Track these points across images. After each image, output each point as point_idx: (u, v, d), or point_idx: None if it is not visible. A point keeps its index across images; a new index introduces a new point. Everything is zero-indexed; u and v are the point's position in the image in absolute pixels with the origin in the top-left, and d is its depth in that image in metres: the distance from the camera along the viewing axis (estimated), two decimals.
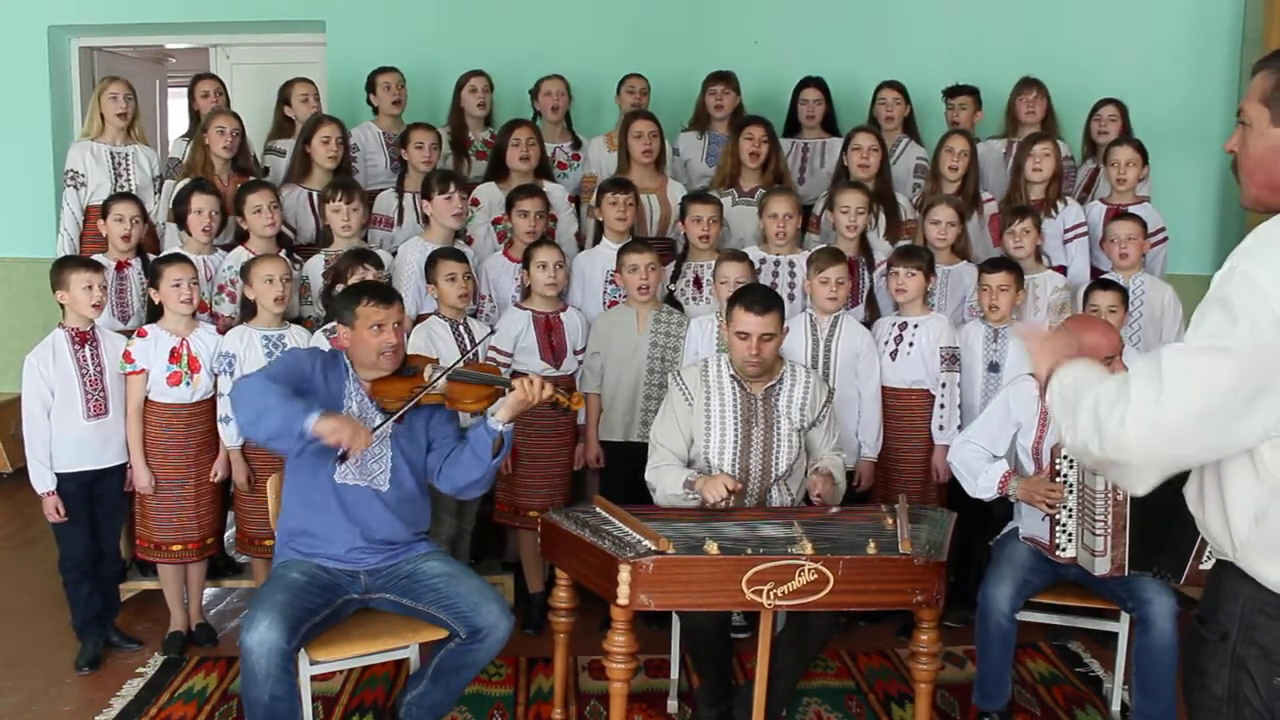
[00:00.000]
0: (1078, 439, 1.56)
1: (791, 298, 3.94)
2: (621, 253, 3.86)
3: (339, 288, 3.56)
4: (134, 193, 4.34)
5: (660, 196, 4.41)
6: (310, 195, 4.36)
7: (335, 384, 2.96)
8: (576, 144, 5.00)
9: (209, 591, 4.09)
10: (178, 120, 6.48)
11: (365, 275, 3.59)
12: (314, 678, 2.92)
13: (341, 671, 3.40)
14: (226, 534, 4.20)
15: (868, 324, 3.88)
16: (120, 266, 3.99)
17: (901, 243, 4.10)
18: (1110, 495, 2.80)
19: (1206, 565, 2.56)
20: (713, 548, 2.61)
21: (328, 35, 5.90)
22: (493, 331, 3.71)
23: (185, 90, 5.11)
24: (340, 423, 2.71)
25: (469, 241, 4.31)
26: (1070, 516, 2.97)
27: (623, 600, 2.57)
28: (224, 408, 3.56)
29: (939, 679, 2.97)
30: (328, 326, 3.61)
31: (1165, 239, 4.48)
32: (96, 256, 3.80)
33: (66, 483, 3.48)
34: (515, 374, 3.52)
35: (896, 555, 2.64)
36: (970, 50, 5.62)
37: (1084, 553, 2.92)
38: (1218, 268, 1.54)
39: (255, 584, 3.84)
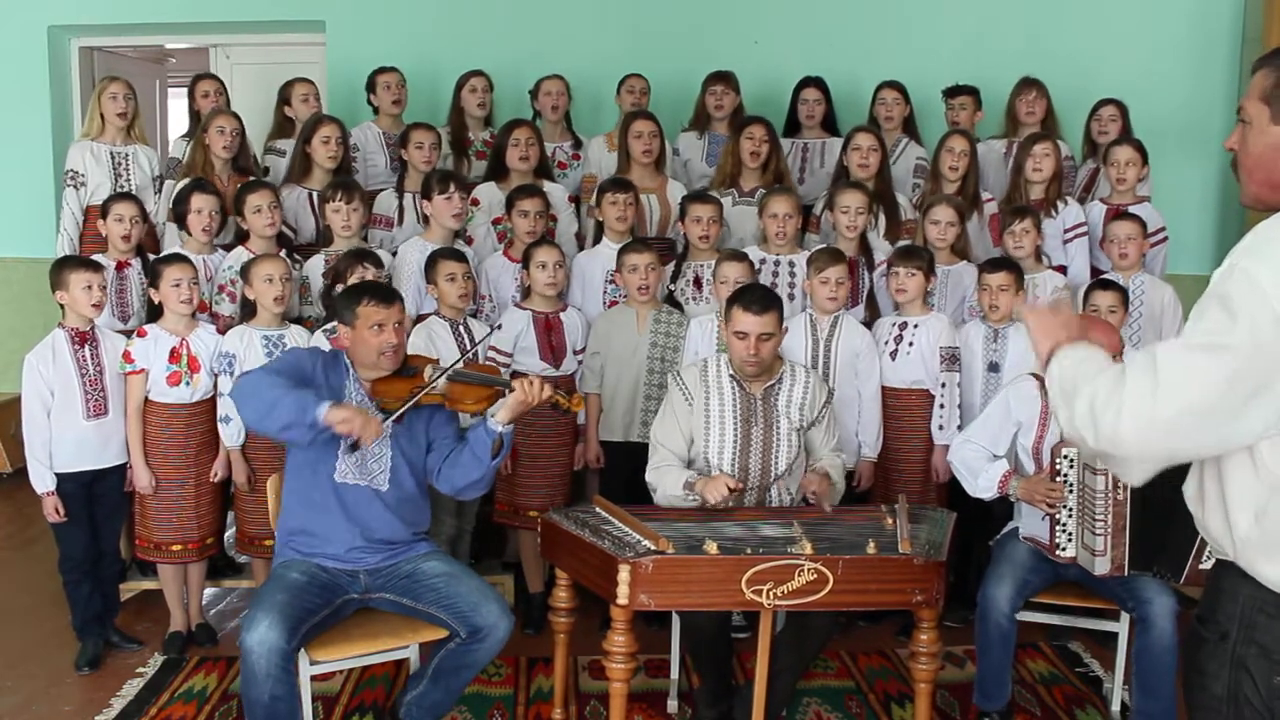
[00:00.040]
0: (1074, 428, 1.57)
1: (791, 298, 3.94)
2: (621, 253, 3.86)
3: (339, 288, 3.56)
4: (134, 193, 4.34)
5: (660, 196, 4.41)
6: (310, 195, 4.36)
7: (335, 384, 2.97)
8: (576, 144, 5.00)
9: (209, 591, 4.09)
10: (178, 120, 6.48)
11: (365, 275, 3.59)
12: (314, 678, 2.92)
13: (341, 671, 3.40)
14: (226, 534, 4.20)
15: (868, 324, 3.88)
16: (120, 266, 3.99)
17: (901, 243, 4.09)
18: (1110, 495, 2.80)
19: (1206, 565, 2.56)
20: (712, 548, 2.61)
21: (328, 35, 5.90)
22: (496, 328, 3.70)
23: (185, 90, 5.11)
24: (351, 412, 2.72)
25: (469, 241, 4.31)
26: (1070, 516, 2.97)
27: (622, 600, 2.57)
28: (224, 408, 3.56)
29: (939, 679, 2.97)
30: (328, 326, 3.61)
31: (1165, 239, 4.48)
32: (96, 256, 3.80)
33: (66, 483, 3.48)
34: (515, 375, 3.53)
35: (896, 555, 2.64)
36: (970, 50, 5.62)
37: (1084, 552, 2.92)
38: (1218, 267, 1.54)
39: (255, 584, 3.84)
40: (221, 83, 5.15)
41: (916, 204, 4.43)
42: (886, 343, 3.78)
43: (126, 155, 4.56)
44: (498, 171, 4.49)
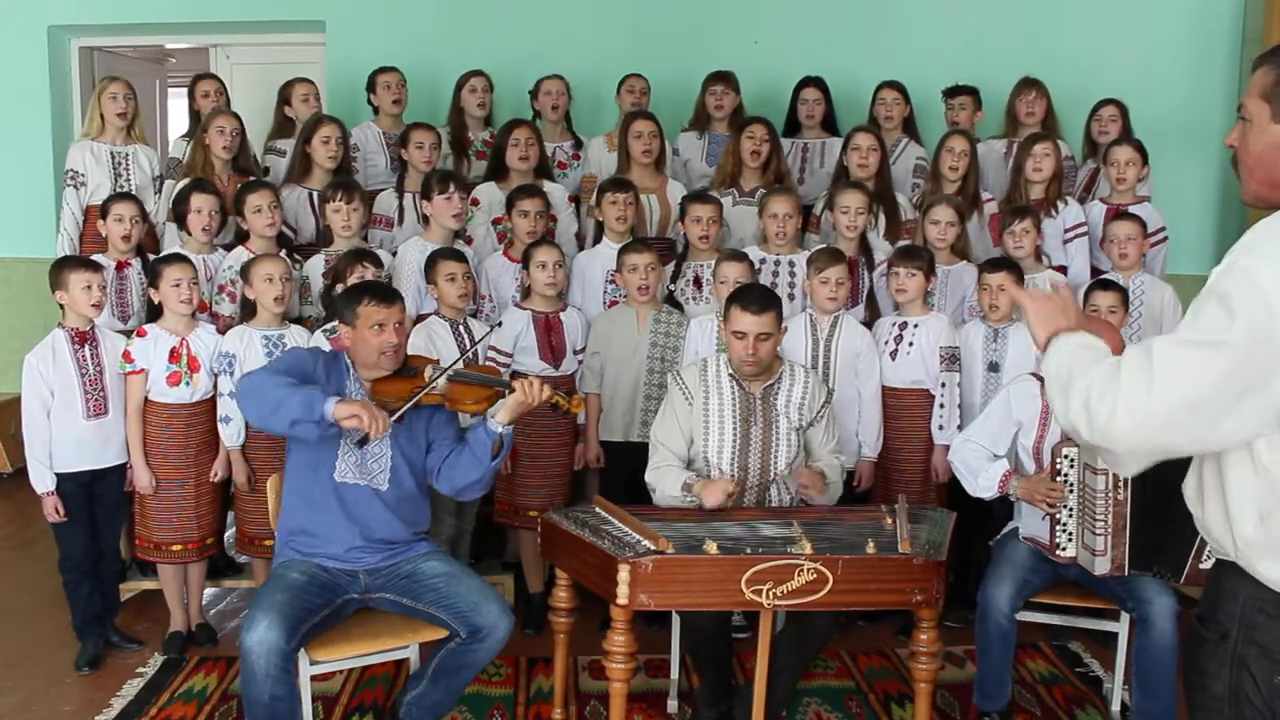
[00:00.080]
0: (1068, 420, 1.57)
1: (791, 298, 3.95)
2: (621, 253, 3.86)
3: (339, 288, 3.57)
4: (134, 193, 4.34)
5: (660, 196, 4.41)
6: (310, 195, 4.36)
7: (336, 383, 2.97)
8: (576, 144, 5.00)
9: (209, 591, 4.09)
10: (178, 120, 6.49)
11: (365, 275, 3.59)
12: (314, 678, 2.92)
13: (341, 671, 3.40)
14: (226, 534, 4.20)
15: (868, 324, 3.88)
16: (120, 266, 3.99)
17: (901, 243, 4.09)
18: (1111, 495, 2.80)
19: (1206, 565, 2.56)
20: (712, 547, 2.61)
21: (328, 35, 5.90)
22: (497, 325, 3.70)
23: (185, 90, 5.11)
24: (359, 407, 2.72)
25: (469, 241, 4.31)
26: (1070, 516, 2.96)
27: (622, 600, 2.57)
28: (224, 407, 3.56)
29: (939, 679, 2.97)
30: (328, 326, 3.61)
31: (1165, 239, 4.47)
32: (96, 256, 3.80)
33: (66, 483, 3.48)
34: (515, 375, 3.53)
35: (896, 555, 2.64)
36: (970, 50, 5.62)
37: (1084, 552, 2.92)
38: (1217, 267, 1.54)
39: (255, 584, 3.84)
40: (221, 83, 5.15)
41: (916, 204, 4.43)
42: (886, 343, 3.78)
43: (126, 155, 4.56)
44: (498, 171, 4.49)
